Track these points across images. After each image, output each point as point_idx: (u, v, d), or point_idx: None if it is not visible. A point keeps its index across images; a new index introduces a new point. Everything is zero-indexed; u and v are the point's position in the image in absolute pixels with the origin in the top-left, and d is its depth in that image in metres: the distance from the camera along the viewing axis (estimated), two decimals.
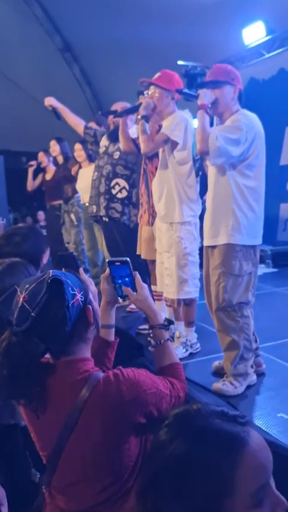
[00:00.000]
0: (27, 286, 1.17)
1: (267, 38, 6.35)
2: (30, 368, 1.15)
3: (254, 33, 6.40)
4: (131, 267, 1.44)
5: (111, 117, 3.56)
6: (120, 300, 1.56)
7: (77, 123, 3.89)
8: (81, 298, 1.22)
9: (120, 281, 1.46)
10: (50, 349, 1.20)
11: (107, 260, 1.49)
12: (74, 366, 1.21)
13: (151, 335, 2.89)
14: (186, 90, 2.61)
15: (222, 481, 0.67)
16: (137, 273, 1.46)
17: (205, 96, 2.24)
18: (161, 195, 2.77)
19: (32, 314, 1.13)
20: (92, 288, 1.46)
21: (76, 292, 1.21)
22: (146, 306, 1.46)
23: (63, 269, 1.41)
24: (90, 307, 1.25)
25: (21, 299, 1.15)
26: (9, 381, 1.13)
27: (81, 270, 1.53)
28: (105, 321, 1.49)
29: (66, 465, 1.20)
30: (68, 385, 1.19)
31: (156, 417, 1.24)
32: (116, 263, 1.45)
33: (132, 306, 3.32)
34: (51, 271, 1.20)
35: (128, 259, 1.45)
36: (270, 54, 6.46)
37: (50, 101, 3.72)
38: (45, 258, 2.01)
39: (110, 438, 1.17)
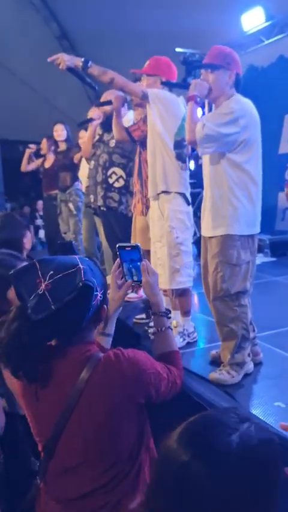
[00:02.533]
0: (52, 273, 1.14)
1: (267, 24, 6.25)
2: (37, 351, 1.16)
3: (253, 19, 6.31)
4: (142, 252, 1.46)
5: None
6: (141, 293, 1.57)
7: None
8: (101, 297, 1.23)
9: (130, 265, 1.47)
10: (58, 338, 1.22)
11: (117, 245, 1.49)
12: (77, 349, 1.22)
13: (149, 324, 2.92)
14: (173, 82, 2.58)
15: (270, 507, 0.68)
16: (147, 260, 1.48)
17: (195, 87, 2.18)
18: (150, 169, 2.70)
19: (52, 307, 1.11)
20: None
21: (98, 293, 1.21)
22: (153, 292, 1.47)
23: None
24: (105, 307, 1.28)
25: (43, 286, 1.13)
26: (18, 358, 1.14)
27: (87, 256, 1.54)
28: (105, 328, 1.49)
29: (66, 448, 1.20)
30: (69, 366, 1.20)
31: (154, 400, 1.27)
32: (127, 248, 1.47)
33: (130, 295, 3.31)
34: (81, 267, 1.17)
35: (139, 244, 1.47)
36: (270, 41, 6.37)
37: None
38: (28, 243, 1.99)
39: (112, 417, 1.18)
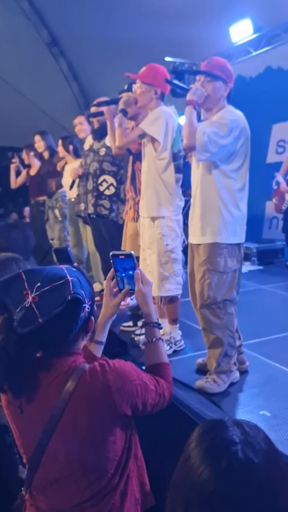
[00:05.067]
0: (39, 285, 1.12)
1: (255, 35, 6.35)
2: (24, 364, 1.14)
3: (242, 31, 6.40)
4: (135, 261, 1.44)
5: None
6: (129, 301, 1.55)
7: None
8: (88, 309, 1.21)
9: (124, 274, 1.45)
10: (44, 350, 1.20)
11: (111, 253, 1.47)
12: (62, 361, 1.20)
13: (135, 332, 2.91)
14: (176, 81, 2.58)
15: None
16: (141, 268, 1.47)
17: (195, 92, 2.20)
18: (143, 190, 2.75)
19: (39, 320, 1.09)
20: None
21: (86, 305, 1.19)
22: (146, 301, 1.45)
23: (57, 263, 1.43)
24: (93, 319, 1.25)
25: (30, 298, 1.10)
26: (3, 372, 1.12)
27: (75, 265, 1.52)
28: (97, 336, 1.46)
29: (51, 460, 1.18)
30: (54, 378, 1.18)
31: (141, 412, 1.25)
32: (121, 256, 1.45)
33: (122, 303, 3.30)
34: (70, 279, 1.14)
35: (132, 252, 1.45)
36: (258, 52, 6.46)
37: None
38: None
39: (96, 429, 1.16)
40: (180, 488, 0.76)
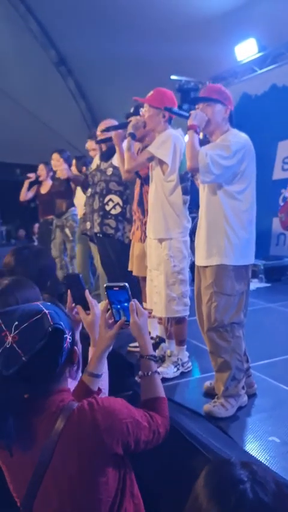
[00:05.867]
0: (17, 323, 1.10)
1: (259, 54, 6.43)
2: (15, 409, 1.11)
3: (247, 50, 6.48)
4: (129, 293, 1.43)
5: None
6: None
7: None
8: (70, 339, 1.19)
9: (119, 306, 1.44)
10: (32, 389, 1.17)
11: (105, 285, 1.46)
12: (50, 400, 1.17)
13: None
14: (175, 110, 2.61)
15: None
16: (135, 300, 1.45)
17: (196, 117, 2.23)
18: (150, 211, 2.77)
19: (23, 359, 1.07)
20: (97, 310, 1.50)
21: (67, 335, 1.17)
22: (141, 333, 1.43)
23: (68, 291, 1.47)
24: (76, 349, 1.23)
25: (9, 339, 1.08)
26: None
27: (86, 292, 1.52)
28: (93, 368, 1.42)
29: (43, 504, 1.15)
30: (43, 419, 1.15)
31: (133, 450, 1.21)
32: (115, 288, 1.44)
33: None
34: (47, 312, 1.13)
35: (126, 284, 1.43)
36: (263, 70, 6.53)
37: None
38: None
39: (87, 470, 1.13)
40: None
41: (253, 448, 1.88)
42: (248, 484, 0.74)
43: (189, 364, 2.80)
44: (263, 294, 4.81)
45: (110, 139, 3.15)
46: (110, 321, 1.46)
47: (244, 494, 0.73)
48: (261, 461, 0.81)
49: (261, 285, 5.29)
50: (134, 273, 3.20)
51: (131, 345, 3.12)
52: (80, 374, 1.52)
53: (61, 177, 4.64)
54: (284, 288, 5.12)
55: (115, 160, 3.36)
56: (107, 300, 1.47)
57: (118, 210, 3.55)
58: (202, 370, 2.78)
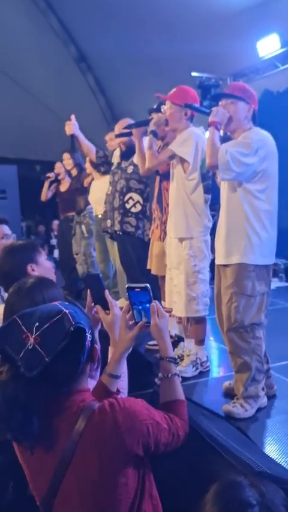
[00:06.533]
0: (38, 324, 1.10)
1: (282, 50, 6.31)
2: (39, 411, 1.12)
3: (269, 46, 6.37)
4: (151, 294, 1.43)
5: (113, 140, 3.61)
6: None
7: (90, 148, 3.90)
8: (90, 337, 1.19)
9: (140, 307, 1.44)
10: (55, 389, 1.17)
11: (126, 286, 1.46)
12: (71, 399, 1.18)
13: None
14: (195, 106, 2.59)
15: None
16: (156, 301, 1.44)
17: (217, 114, 2.21)
18: (171, 210, 2.76)
19: (46, 359, 1.07)
20: (117, 310, 1.48)
21: (87, 334, 1.17)
22: (161, 335, 1.43)
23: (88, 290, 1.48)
24: (96, 346, 1.24)
25: (31, 340, 1.08)
26: (18, 422, 1.10)
27: (106, 292, 1.53)
28: (112, 369, 1.42)
29: (63, 503, 1.16)
30: (64, 419, 1.16)
31: (153, 452, 1.22)
32: (136, 289, 1.44)
33: None
34: (67, 312, 1.13)
35: (148, 285, 1.43)
36: (285, 67, 6.42)
37: (71, 130, 3.70)
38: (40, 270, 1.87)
39: (107, 471, 1.13)
40: None
41: (272, 450, 1.87)
42: (257, 509, 0.73)
43: (208, 363, 2.79)
44: (283, 293, 4.76)
45: (129, 134, 3.14)
46: (131, 322, 1.45)
47: None
48: (271, 483, 0.79)
49: (282, 284, 5.24)
50: (153, 272, 3.20)
51: (150, 343, 3.13)
52: (98, 374, 1.53)
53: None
54: None
55: (135, 158, 3.35)
56: (127, 301, 1.47)
57: (138, 208, 3.55)
58: (221, 370, 2.78)
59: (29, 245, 1.87)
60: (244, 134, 2.22)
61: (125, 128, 3.25)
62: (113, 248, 4.11)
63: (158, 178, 3.15)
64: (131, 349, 1.47)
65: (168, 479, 1.30)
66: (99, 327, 1.60)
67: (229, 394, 2.36)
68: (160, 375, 1.44)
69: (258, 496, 0.74)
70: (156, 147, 2.86)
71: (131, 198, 3.56)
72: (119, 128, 3.45)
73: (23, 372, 1.08)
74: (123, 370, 1.49)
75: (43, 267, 1.82)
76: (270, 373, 2.40)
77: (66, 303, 1.22)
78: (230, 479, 0.81)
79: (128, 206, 3.55)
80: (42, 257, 1.84)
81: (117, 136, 3.49)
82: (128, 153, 3.51)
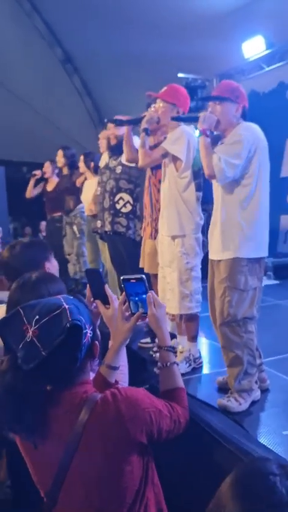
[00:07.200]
0: (37, 318, 1.11)
1: (267, 51, 6.41)
2: (34, 401, 1.12)
3: (254, 47, 6.46)
4: (147, 284, 1.44)
5: (110, 130, 3.54)
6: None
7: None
8: (91, 334, 1.20)
9: (136, 298, 1.45)
10: (53, 383, 1.18)
11: (122, 278, 1.47)
12: (73, 391, 1.19)
13: (154, 349, 2.91)
14: (183, 117, 2.63)
15: None
16: (153, 291, 1.46)
17: (204, 120, 2.23)
18: (163, 208, 2.77)
19: (43, 353, 1.08)
20: (117, 304, 1.49)
21: (87, 330, 1.18)
22: (159, 325, 1.45)
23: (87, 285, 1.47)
24: (97, 343, 1.24)
25: (30, 333, 1.10)
26: (14, 412, 1.11)
27: (106, 286, 1.53)
28: (111, 361, 1.43)
29: (68, 494, 1.17)
30: (66, 411, 1.16)
31: (156, 439, 1.23)
32: (132, 280, 1.44)
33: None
34: (67, 307, 1.14)
35: (143, 276, 1.44)
36: (270, 68, 6.51)
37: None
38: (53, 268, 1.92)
39: (112, 460, 1.14)
40: None
41: (267, 442, 1.89)
42: (278, 478, 0.73)
43: (201, 360, 2.81)
44: (272, 291, 4.80)
45: (128, 122, 3.05)
46: (127, 314, 1.46)
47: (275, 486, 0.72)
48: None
49: (270, 282, 5.28)
50: (145, 270, 3.21)
51: (142, 340, 3.14)
52: (97, 366, 1.54)
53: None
54: None
55: (124, 158, 3.36)
56: (123, 293, 1.48)
57: (129, 208, 3.56)
58: (213, 366, 2.80)
59: (43, 243, 1.91)
60: (233, 132, 2.24)
61: (117, 123, 3.24)
62: (104, 248, 4.12)
63: (148, 175, 3.15)
64: (128, 340, 1.48)
65: (167, 468, 1.31)
66: (98, 321, 1.61)
67: (223, 389, 2.38)
68: (159, 364, 1.45)
69: (279, 466, 0.75)
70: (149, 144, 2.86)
71: (121, 198, 3.56)
72: (111, 126, 3.44)
73: (21, 365, 1.09)
74: (123, 361, 1.50)
75: (53, 265, 1.85)
76: (263, 367, 2.43)
77: (70, 297, 1.22)
78: (250, 465, 0.81)
79: (118, 206, 3.56)
80: (52, 256, 1.87)
81: (116, 123, 3.29)
82: (118, 147, 3.47)
